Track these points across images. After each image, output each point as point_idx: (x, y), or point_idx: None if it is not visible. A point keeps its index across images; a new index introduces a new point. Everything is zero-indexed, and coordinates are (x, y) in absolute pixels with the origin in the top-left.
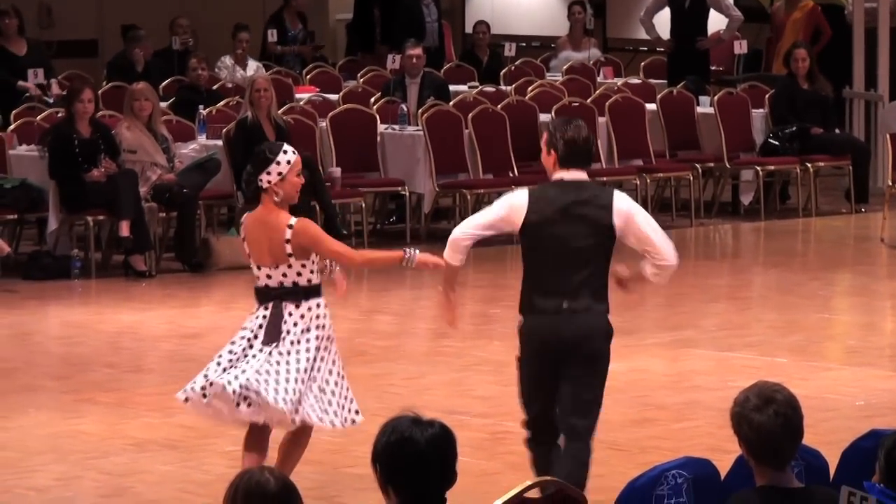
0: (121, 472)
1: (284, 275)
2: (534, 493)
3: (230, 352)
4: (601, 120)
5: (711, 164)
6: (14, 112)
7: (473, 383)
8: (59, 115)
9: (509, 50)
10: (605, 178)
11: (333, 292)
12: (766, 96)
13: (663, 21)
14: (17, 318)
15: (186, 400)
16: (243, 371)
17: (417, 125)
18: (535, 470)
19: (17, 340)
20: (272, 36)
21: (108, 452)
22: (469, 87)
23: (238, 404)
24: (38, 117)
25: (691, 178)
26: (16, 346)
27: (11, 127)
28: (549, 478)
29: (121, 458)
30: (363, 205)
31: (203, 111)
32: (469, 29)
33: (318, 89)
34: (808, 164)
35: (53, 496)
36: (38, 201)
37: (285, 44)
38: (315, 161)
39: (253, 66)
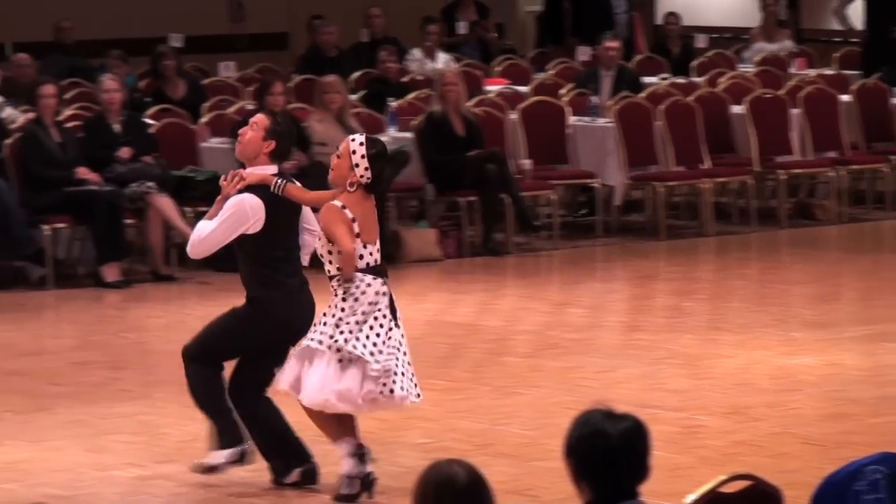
0: None
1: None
2: (729, 488)
3: (397, 340)
4: (794, 112)
5: None
6: (206, 105)
7: (666, 377)
8: (251, 107)
9: (701, 41)
10: (798, 171)
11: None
12: None
13: (858, 11)
14: (211, 310)
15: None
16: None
17: (608, 117)
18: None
19: None
20: (451, 28)
21: None
22: (660, 79)
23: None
24: (230, 109)
25: (887, 171)
26: None
27: (204, 119)
28: (744, 472)
29: (313, 450)
30: (553, 197)
31: (393, 104)
32: (659, 20)
33: (507, 81)
34: None
35: (258, 488)
36: None
37: (457, 34)
38: (503, 154)
39: (443, 58)
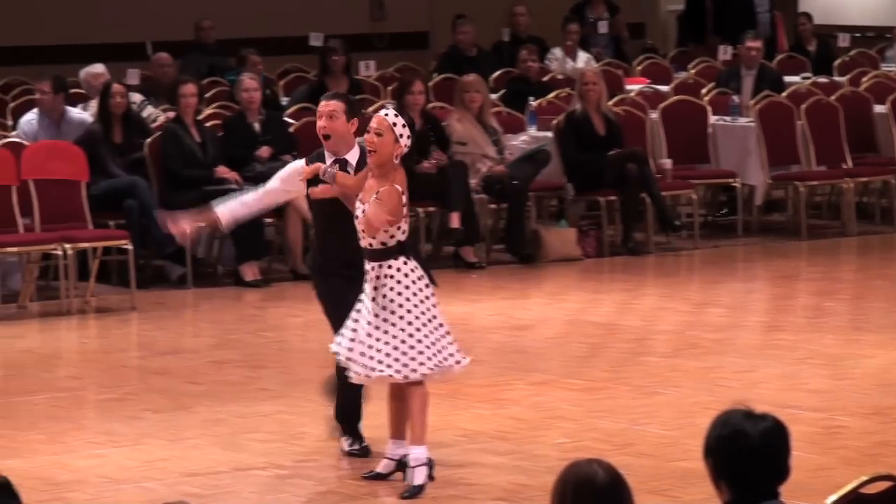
0: (452, 463)
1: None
2: (870, 489)
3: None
4: None
5: None
6: None
7: (806, 377)
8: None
9: (843, 40)
10: None
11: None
12: None
13: None
14: None
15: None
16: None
17: (749, 116)
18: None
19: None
20: (582, 26)
21: (439, 443)
22: (802, 79)
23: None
24: (370, 108)
25: None
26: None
27: None
28: (886, 473)
29: (452, 449)
30: (694, 197)
31: (533, 103)
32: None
33: (648, 81)
34: None
35: (384, 487)
36: None
37: (589, 33)
38: (644, 153)
39: (583, 57)
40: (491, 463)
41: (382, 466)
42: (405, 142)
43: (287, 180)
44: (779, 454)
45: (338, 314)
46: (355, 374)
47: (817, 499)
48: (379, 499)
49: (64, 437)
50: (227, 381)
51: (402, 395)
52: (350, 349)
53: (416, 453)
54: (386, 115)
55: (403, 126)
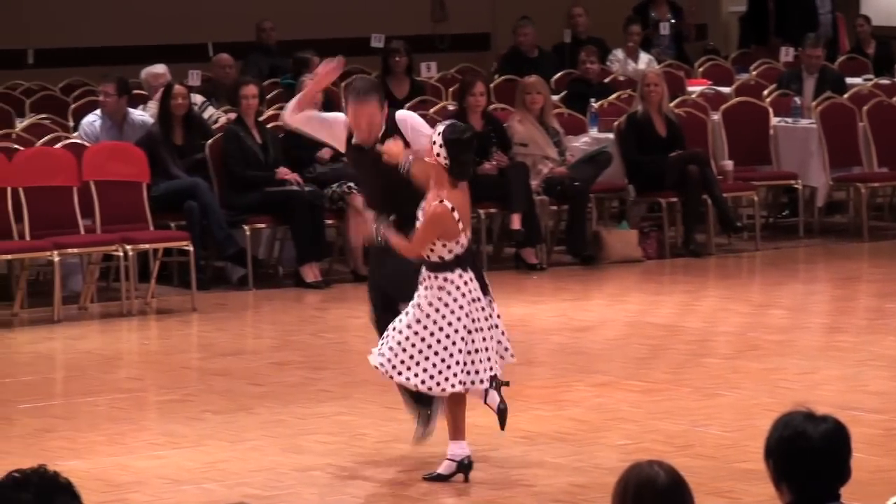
0: (512, 465)
1: None
2: None
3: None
4: None
5: None
6: (408, 104)
7: (868, 379)
8: (451, 108)
9: None
10: None
11: None
12: None
13: None
14: None
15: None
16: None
17: (811, 118)
18: None
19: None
20: (644, 27)
21: (499, 445)
22: (863, 80)
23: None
24: (432, 110)
25: None
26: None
27: None
28: None
29: (512, 451)
30: (755, 198)
31: (594, 104)
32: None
33: (710, 82)
34: None
35: (444, 488)
36: None
37: (652, 34)
38: (705, 154)
39: (645, 58)
40: (551, 464)
41: (443, 468)
42: (437, 150)
43: (335, 125)
44: (840, 456)
45: (369, 295)
46: (379, 365)
47: (878, 500)
48: (440, 500)
49: (125, 438)
50: (288, 383)
51: (460, 399)
52: (385, 336)
53: (452, 450)
54: (439, 132)
55: (439, 135)
